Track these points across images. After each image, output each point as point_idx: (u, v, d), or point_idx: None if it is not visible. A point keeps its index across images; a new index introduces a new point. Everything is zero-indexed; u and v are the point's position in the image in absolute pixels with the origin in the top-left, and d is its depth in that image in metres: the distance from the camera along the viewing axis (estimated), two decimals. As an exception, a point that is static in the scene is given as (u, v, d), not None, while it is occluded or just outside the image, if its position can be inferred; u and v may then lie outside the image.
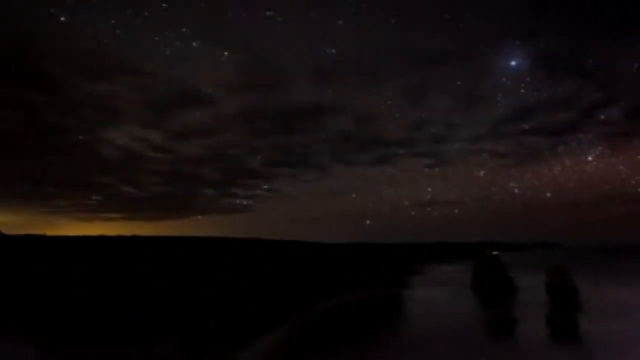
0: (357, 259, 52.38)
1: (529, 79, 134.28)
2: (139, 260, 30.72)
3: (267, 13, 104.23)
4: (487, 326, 25.86)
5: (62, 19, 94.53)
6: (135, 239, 65.23)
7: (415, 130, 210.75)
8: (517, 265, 60.33)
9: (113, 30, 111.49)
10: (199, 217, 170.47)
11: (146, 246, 43.78)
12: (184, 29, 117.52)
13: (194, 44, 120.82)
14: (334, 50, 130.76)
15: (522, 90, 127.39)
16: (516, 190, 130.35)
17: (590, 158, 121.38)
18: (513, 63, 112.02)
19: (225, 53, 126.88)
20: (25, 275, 21.29)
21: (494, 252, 45.32)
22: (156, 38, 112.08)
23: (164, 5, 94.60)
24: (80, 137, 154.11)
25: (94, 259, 29.64)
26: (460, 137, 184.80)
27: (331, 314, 27.94)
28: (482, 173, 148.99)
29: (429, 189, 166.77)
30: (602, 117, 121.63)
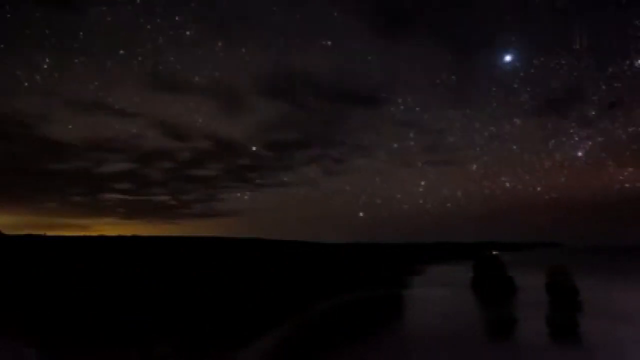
0: (357, 259, 52.41)
1: (522, 74, 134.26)
2: (139, 260, 30.74)
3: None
4: (487, 326, 25.87)
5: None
6: (135, 239, 65.33)
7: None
8: (517, 265, 60.28)
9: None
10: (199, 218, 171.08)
11: (146, 246, 43.81)
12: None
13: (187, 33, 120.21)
14: (329, 43, 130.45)
15: (516, 86, 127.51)
16: (507, 185, 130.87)
17: (580, 154, 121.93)
18: (508, 58, 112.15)
19: (219, 43, 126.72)
20: (25, 275, 21.31)
21: (494, 252, 45.31)
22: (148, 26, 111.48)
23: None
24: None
25: (94, 259, 29.66)
26: (453, 131, 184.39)
27: (331, 314, 27.95)
28: (474, 167, 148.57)
29: (422, 182, 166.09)
30: (593, 112, 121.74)
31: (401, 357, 18.44)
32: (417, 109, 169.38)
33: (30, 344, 14.01)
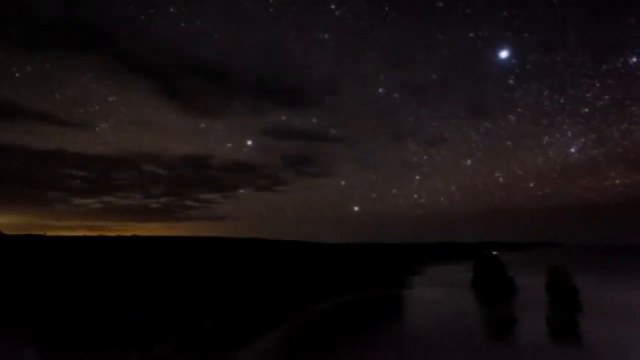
0: (357, 259, 52.40)
1: (517, 70, 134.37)
2: (139, 260, 30.74)
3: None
4: (487, 326, 25.87)
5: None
6: (135, 239, 65.33)
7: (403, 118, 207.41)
8: (517, 265, 60.32)
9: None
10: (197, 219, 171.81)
11: (146, 246, 43.81)
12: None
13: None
14: (326, 35, 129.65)
15: (511, 82, 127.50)
16: (500, 180, 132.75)
17: (573, 150, 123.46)
18: (504, 54, 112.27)
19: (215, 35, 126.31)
20: (25, 275, 21.30)
21: (494, 252, 45.30)
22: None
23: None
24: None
25: (94, 259, 29.66)
26: (448, 127, 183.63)
27: (331, 314, 27.96)
28: (469, 163, 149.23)
29: (417, 177, 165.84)
30: (587, 110, 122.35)
31: (401, 357, 18.44)
32: (413, 104, 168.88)
33: (30, 344, 14.01)
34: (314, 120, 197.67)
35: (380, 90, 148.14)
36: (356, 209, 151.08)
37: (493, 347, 20.53)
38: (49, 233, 74.91)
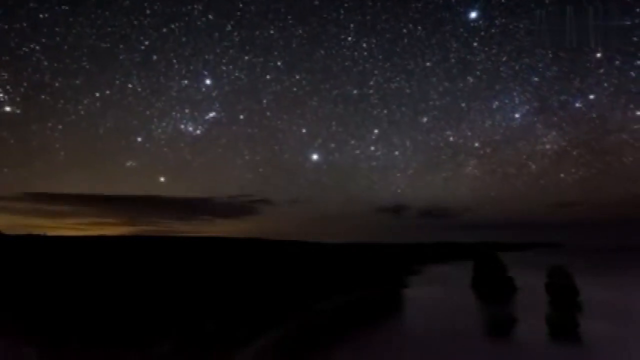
0: (356, 259, 52.38)
1: (482, 33, 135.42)
2: (139, 260, 30.74)
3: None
4: (486, 326, 25.87)
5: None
6: (135, 238, 65.37)
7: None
8: (517, 265, 60.28)
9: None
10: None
11: (146, 246, 43.83)
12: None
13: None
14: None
15: (475, 44, 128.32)
16: (451, 139, 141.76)
17: (517, 115, 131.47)
18: (473, 15, 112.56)
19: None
20: (25, 275, 21.31)
21: (494, 252, 45.29)
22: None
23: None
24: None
25: (94, 259, 29.66)
26: (410, 82, 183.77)
27: (331, 314, 27.96)
28: (424, 120, 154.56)
29: (375, 130, 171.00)
30: (537, 79, 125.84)
31: (401, 357, 18.44)
32: (380, 56, 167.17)
33: (30, 344, 14.00)
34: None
35: (349, 38, 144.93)
36: (315, 157, 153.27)
37: (493, 347, 20.53)
38: (49, 233, 74.99)
